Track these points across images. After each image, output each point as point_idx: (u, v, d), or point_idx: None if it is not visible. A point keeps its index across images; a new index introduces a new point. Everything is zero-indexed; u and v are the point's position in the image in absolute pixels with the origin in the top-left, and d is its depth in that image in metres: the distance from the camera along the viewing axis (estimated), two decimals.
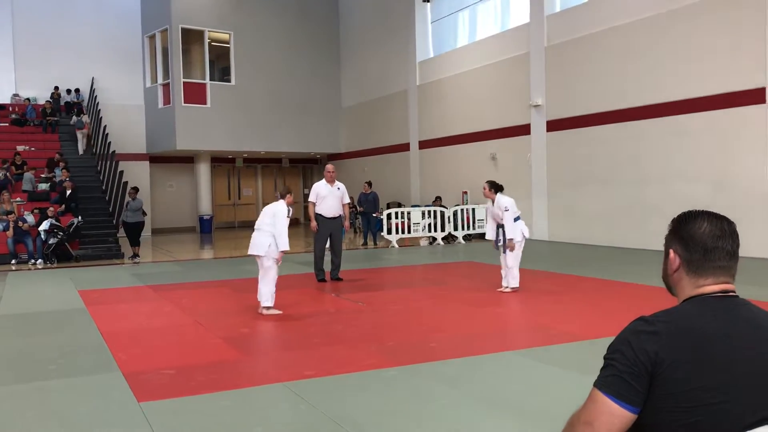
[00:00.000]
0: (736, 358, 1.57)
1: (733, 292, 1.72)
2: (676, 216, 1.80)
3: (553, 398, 4.40)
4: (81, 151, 20.76)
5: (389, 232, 16.82)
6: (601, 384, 1.61)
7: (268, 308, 7.73)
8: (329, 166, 10.50)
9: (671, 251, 1.76)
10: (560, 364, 5.26)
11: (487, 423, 4.01)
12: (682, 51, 12.94)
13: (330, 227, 10.29)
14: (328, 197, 10.24)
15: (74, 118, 21.24)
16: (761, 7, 11.54)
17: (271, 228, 7.72)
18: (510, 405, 4.32)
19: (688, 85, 12.85)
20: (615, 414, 1.57)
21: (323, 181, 10.37)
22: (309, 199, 10.39)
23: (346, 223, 10.66)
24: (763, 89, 11.57)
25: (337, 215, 10.33)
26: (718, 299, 1.68)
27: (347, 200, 10.56)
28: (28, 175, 17.59)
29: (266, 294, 7.73)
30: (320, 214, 10.21)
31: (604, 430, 1.58)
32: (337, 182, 10.41)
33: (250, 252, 7.92)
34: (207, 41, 23.20)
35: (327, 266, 10.53)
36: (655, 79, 13.51)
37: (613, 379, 1.59)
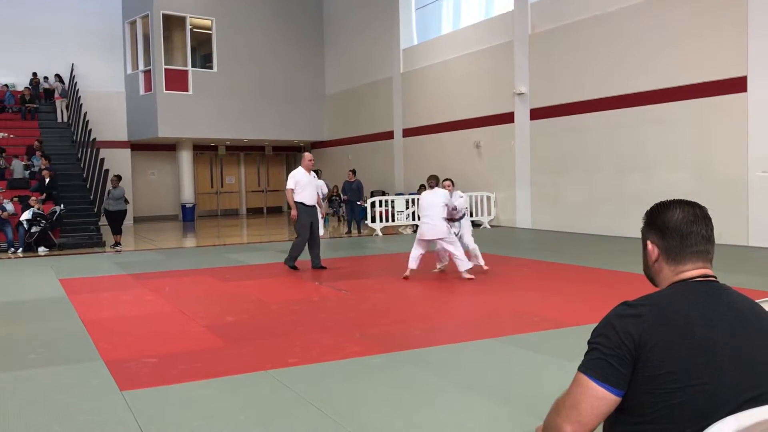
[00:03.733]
0: (717, 341, 1.60)
1: (713, 277, 1.74)
2: (648, 208, 1.84)
3: (537, 384, 4.43)
4: (60, 119, 21.60)
5: (373, 220, 16.82)
6: (585, 367, 1.63)
7: (468, 271, 8.85)
8: (308, 154, 10.40)
9: (648, 242, 1.81)
10: (544, 351, 5.29)
11: (471, 409, 4.03)
12: (664, 40, 13.00)
13: (311, 215, 10.20)
14: (308, 185, 10.16)
15: (59, 85, 22.04)
16: None
17: (442, 214, 8.87)
18: (494, 391, 4.34)
19: (670, 74, 12.93)
20: (600, 397, 1.59)
21: (301, 169, 10.22)
22: (288, 186, 10.20)
23: (323, 212, 10.61)
24: (744, 78, 11.67)
25: (315, 203, 10.27)
26: (699, 284, 1.72)
27: (326, 190, 10.57)
28: (18, 162, 17.40)
29: (464, 261, 8.81)
30: (302, 203, 10.09)
31: (589, 413, 1.60)
32: (312, 171, 10.37)
33: (430, 237, 8.90)
34: (189, 27, 22.95)
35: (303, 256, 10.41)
36: (637, 68, 13.57)
37: (598, 362, 1.61)
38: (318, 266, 10.35)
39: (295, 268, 10.26)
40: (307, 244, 10.34)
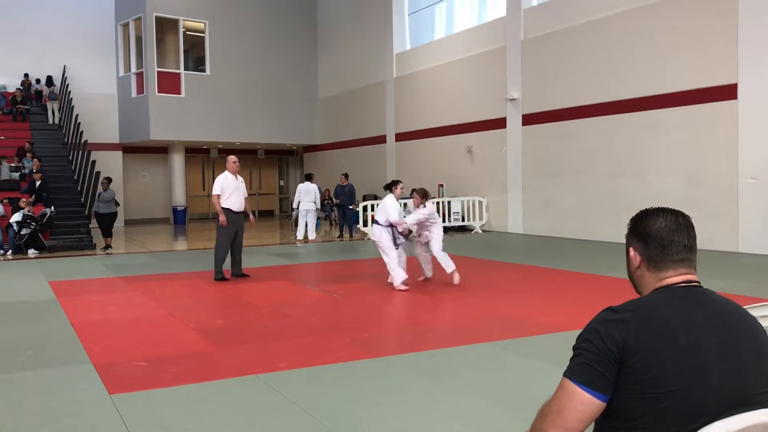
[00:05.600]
0: (702, 345, 1.61)
1: (697, 282, 1.76)
2: (633, 215, 1.87)
3: (527, 389, 4.44)
4: (52, 121, 21.60)
5: (365, 224, 16.81)
6: (570, 372, 1.63)
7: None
8: (233, 157, 9.97)
9: (631, 249, 1.84)
10: (534, 356, 5.30)
11: (460, 414, 4.03)
12: (656, 46, 13.08)
13: (237, 223, 9.78)
14: (236, 191, 9.73)
15: (46, 88, 22.06)
16: (733, 4, 11.69)
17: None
18: (485, 396, 4.35)
19: (662, 81, 13.00)
20: (585, 402, 1.60)
21: (228, 173, 9.77)
22: (214, 192, 9.70)
23: (252, 218, 10.10)
24: (734, 85, 11.74)
25: (243, 209, 9.87)
26: (683, 289, 1.74)
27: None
28: (6, 164, 17.30)
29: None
30: (229, 209, 9.66)
31: (573, 418, 1.61)
32: (238, 175, 9.96)
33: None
34: (182, 30, 22.91)
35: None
36: (629, 74, 13.64)
37: (582, 367, 1.61)
38: (239, 274, 9.90)
39: (224, 278, 9.67)
40: (232, 250, 9.90)
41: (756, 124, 11.47)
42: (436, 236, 8.92)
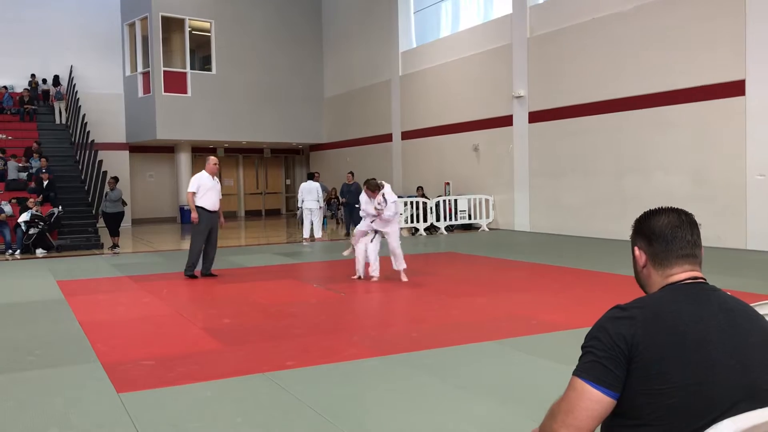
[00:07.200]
0: (709, 340, 1.61)
1: (703, 279, 1.77)
2: (637, 216, 1.90)
3: (534, 387, 4.43)
4: (59, 121, 21.75)
5: None
6: (580, 371, 1.63)
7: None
8: (213, 158, 10.04)
9: (636, 248, 1.86)
10: (541, 354, 5.29)
11: (468, 412, 4.03)
12: (663, 43, 13.02)
13: (211, 221, 9.86)
14: (211, 190, 9.82)
15: (53, 88, 22.23)
16: (740, 0, 11.63)
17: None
18: (491, 394, 4.34)
19: (668, 77, 12.94)
20: (595, 400, 1.60)
21: (205, 173, 9.87)
22: (189, 189, 9.85)
23: (221, 219, 10.10)
24: (742, 81, 11.68)
25: (217, 209, 9.93)
26: (689, 285, 1.75)
27: (221, 195, 10.12)
28: (13, 163, 17.37)
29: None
30: (203, 207, 9.72)
31: (584, 417, 1.60)
32: (215, 176, 10.01)
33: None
34: (187, 30, 22.94)
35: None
36: (636, 71, 13.59)
37: (592, 365, 1.62)
38: (208, 274, 9.98)
39: (193, 276, 9.86)
40: (206, 248, 9.95)
41: (764, 120, 11.41)
42: (394, 231, 9.17)
